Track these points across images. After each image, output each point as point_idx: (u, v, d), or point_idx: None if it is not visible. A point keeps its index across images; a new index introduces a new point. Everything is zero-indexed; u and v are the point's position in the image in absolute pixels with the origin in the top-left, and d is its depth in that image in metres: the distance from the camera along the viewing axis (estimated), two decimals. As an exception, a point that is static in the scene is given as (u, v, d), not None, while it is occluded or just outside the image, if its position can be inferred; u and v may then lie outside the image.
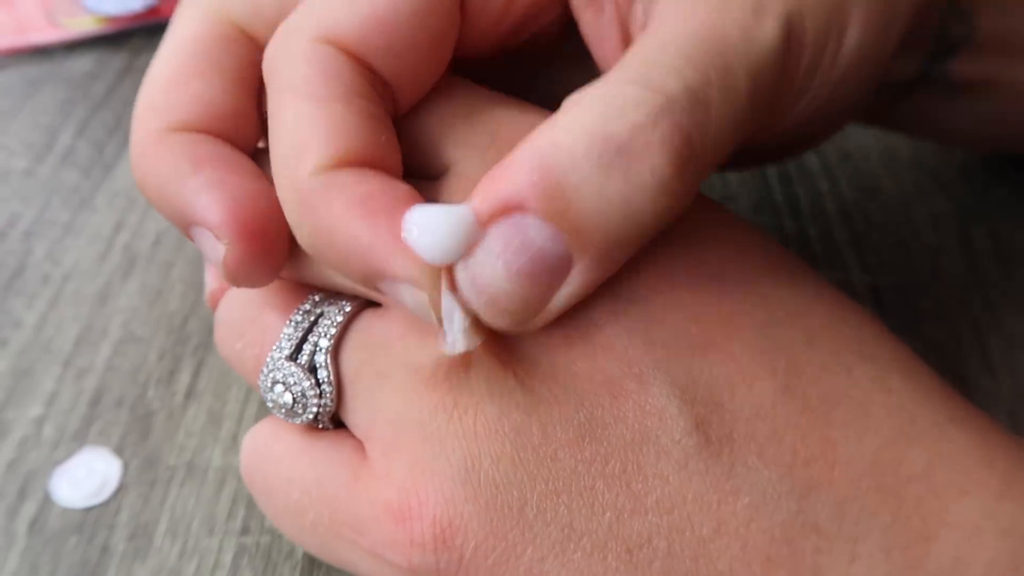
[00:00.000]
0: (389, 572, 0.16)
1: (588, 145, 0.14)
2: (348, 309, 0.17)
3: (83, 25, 0.36)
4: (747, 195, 0.30)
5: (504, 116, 0.18)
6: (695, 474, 0.15)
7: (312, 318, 0.17)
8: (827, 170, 0.31)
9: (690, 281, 0.16)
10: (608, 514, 0.15)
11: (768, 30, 0.15)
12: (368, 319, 0.17)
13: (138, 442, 0.22)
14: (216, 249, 0.16)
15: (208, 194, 0.16)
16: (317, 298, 0.18)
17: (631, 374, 0.16)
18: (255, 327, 0.18)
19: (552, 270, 0.14)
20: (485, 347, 0.16)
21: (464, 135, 0.17)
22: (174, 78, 0.18)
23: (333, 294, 0.18)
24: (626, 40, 0.18)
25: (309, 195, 0.15)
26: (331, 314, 0.17)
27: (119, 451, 0.22)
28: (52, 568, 0.20)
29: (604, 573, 0.15)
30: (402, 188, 0.15)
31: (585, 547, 0.15)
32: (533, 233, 0.14)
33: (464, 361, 0.16)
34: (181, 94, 0.17)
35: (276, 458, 0.17)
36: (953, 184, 0.30)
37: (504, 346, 0.16)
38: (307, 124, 0.15)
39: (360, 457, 0.17)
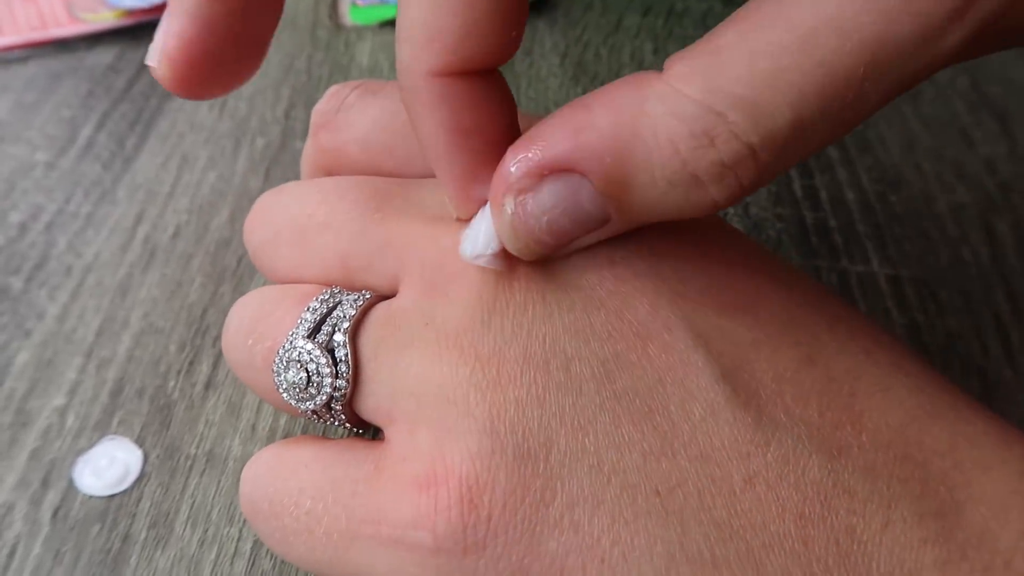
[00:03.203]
0: (411, 561, 0.15)
1: (665, 162, 0.14)
2: (368, 296, 0.17)
3: (103, 19, 0.36)
4: (766, 186, 0.29)
5: (533, 118, 0.18)
6: (724, 422, 0.15)
7: (330, 305, 0.17)
8: (847, 161, 0.30)
9: (721, 256, 0.17)
10: (636, 454, 0.15)
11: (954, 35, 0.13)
12: (387, 306, 0.17)
13: (159, 432, 0.22)
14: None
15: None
16: (335, 289, 0.18)
17: (658, 318, 0.16)
18: (269, 321, 0.18)
19: (587, 227, 0.15)
20: (510, 285, 0.16)
21: None
22: None
23: (344, 289, 0.18)
24: None
25: (416, 97, 0.15)
26: (350, 300, 0.17)
27: (140, 441, 0.22)
28: (75, 555, 0.20)
29: (635, 517, 0.14)
30: (503, 124, 0.16)
31: (615, 488, 0.15)
32: (585, 200, 0.15)
33: (481, 310, 0.16)
34: None
35: (285, 474, 0.17)
36: (976, 175, 0.30)
37: (530, 280, 0.16)
38: (443, 10, 0.14)
39: (379, 451, 0.16)
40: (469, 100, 0.15)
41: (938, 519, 0.14)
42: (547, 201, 0.15)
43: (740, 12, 0.14)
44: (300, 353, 0.17)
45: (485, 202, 0.16)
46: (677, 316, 0.16)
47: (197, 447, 0.22)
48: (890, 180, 0.30)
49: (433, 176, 0.18)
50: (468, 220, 0.17)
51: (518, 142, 0.15)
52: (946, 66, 0.13)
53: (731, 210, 0.28)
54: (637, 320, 0.16)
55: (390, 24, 0.36)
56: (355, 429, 0.18)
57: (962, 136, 0.31)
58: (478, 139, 0.16)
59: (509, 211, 0.15)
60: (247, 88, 0.33)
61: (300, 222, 0.19)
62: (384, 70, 0.34)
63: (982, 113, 0.32)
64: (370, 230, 0.18)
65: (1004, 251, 0.27)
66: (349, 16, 0.37)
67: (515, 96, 0.33)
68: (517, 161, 0.15)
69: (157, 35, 0.18)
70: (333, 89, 0.21)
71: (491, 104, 0.16)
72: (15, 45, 0.35)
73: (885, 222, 0.28)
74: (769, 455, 0.15)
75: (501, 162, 0.15)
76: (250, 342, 0.18)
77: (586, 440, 0.15)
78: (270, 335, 0.18)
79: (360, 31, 0.36)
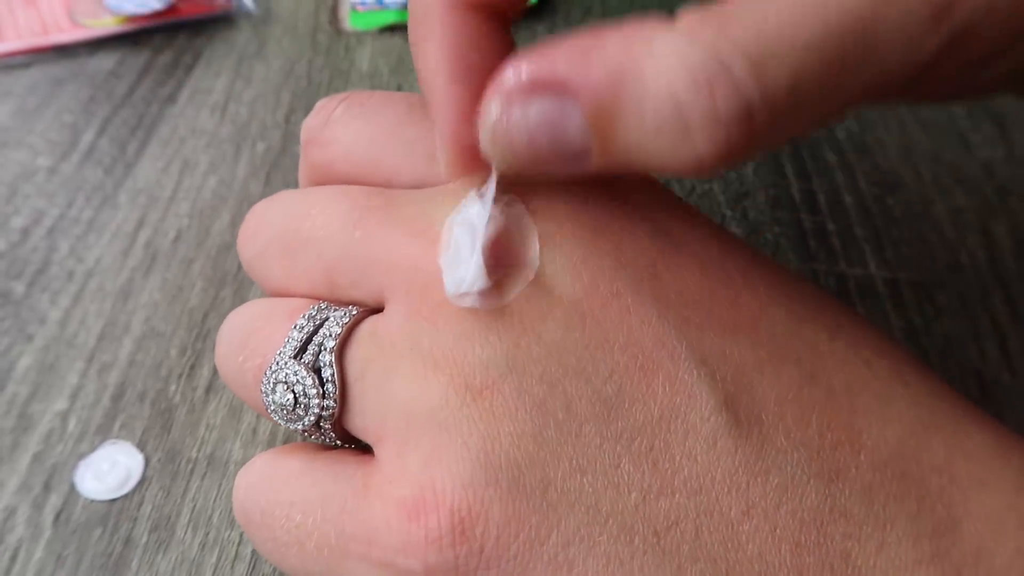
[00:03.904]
0: None
1: (659, 105, 0.14)
2: (354, 312, 0.17)
3: (105, 25, 0.36)
4: (764, 190, 0.29)
5: None
6: (724, 453, 0.15)
7: (317, 322, 0.17)
8: (845, 164, 0.30)
9: (720, 272, 0.17)
10: (634, 494, 0.14)
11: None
12: (373, 323, 0.17)
13: (160, 436, 0.23)
14: None
15: None
16: (322, 304, 0.18)
17: (664, 348, 0.15)
18: (258, 338, 0.18)
19: (565, 156, 0.15)
20: (501, 314, 0.16)
21: None
22: None
23: (337, 303, 0.18)
24: None
25: (427, 25, 0.15)
26: (336, 317, 0.17)
27: (141, 445, 0.22)
28: (77, 559, 0.20)
29: (631, 557, 0.14)
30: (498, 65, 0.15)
31: (611, 530, 0.14)
32: (571, 126, 0.14)
33: (472, 342, 0.16)
34: None
35: (276, 485, 0.17)
36: (973, 179, 0.30)
37: (523, 308, 0.16)
38: None
39: (368, 468, 0.16)
40: (479, 38, 0.15)
41: (934, 539, 0.14)
42: (533, 116, 0.14)
43: None
44: (287, 374, 0.17)
45: (472, 165, 0.16)
46: (682, 344, 0.15)
47: (198, 451, 0.22)
48: (888, 184, 0.30)
49: (419, 187, 0.18)
50: (456, 176, 0.16)
51: (524, 54, 0.15)
52: (922, 78, 0.14)
53: (728, 212, 0.29)
54: (643, 354, 0.15)
55: (389, 29, 0.37)
56: (346, 444, 0.18)
57: (960, 140, 0.31)
58: (480, 80, 0.15)
59: (494, 115, 0.15)
60: (247, 93, 0.34)
61: (286, 236, 0.18)
62: (384, 75, 0.34)
63: (980, 117, 0.32)
64: (353, 246, 0.17)
65: (1002, 254, 0.27)
66: (349, 21, 0.37)
67: (514, 101, 0.33)
68: (516, 69, 0.14)
69: None
70: (320, 103, 0.20)
71: (499, 49, 0.16)
72: (17, 51, 0.35)
73: (883, 225, 0.28)
74: (768, 484, 0.15)
75: (501, 68, 0.15)
76: (241, 359, 0.18)
77: (584, 480, 0.15)
78: (259, 352, 0.18)
79: (360, 36, 0.36)
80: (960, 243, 0.28)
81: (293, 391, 0.17)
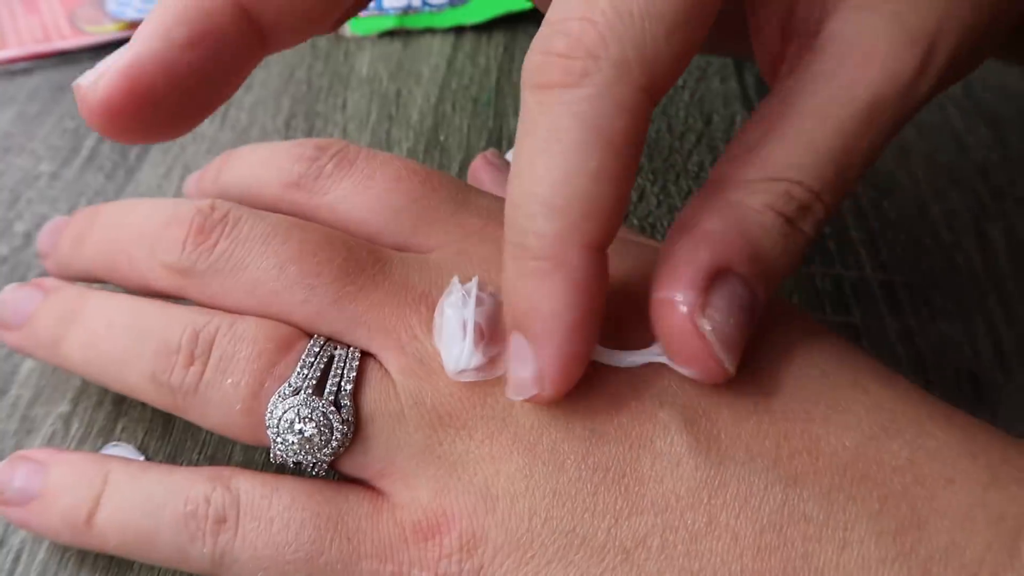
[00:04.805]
0: None
1: (772, 223, 0.16)
2: (357, 355, 0.18)
3: (106, 31, 0.36)
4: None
5: (491, 206, 0.21)
6: (686, 471, 0.16)
7: (324, 359, 0.18)
8: (841, 168, 0.31)
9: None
10: (608, 517, 0.16)
11: (923, 88, 0.17)
12: (373, 369, 0.19)
13: (162, 438, 0.23)
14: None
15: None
16: (323, 341, 0.19)
17: (630, 386, 0.17)
18: (256, 363, 0.18)
19: (755, 314, 0.16)
20: (501, 379, 0.17)
21: (458, 218, 0.20)
22: None
23: (329, 339, 0.19)
24: (786, 34, 0.18)
25: (560, 271, 0.15)
26: (342, 357, 0.18)
27: (143, 447, 0.23)
28: (80, 560, 0.20)
29: (601, 574, 0.16)
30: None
31: (585, 551, 0.16)
32: (741, 291, 0.16)
33: (472, 404, 0.17)
34: None
35: (284, 504, 0.18)
36: (968, 181, 0.30)
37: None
38: (605, 184, 0.15)
39: (373, 495, 0.18)
40: (603, 276, 0.16)
41: (899, 536, 0.15)
42: (723, 304, 0.16)
43: (758, 114, 0.17)
44: (311, 410, 0.18)
45: (570, 388, 0.17)
46: (642, 380, 0.17)
47: (199, 453, 0.22)
48: (883, 186, 0.30)
49: (403, 250, 0.20)
50: (558, 397, 0.17)
51: (661, 281, 0.16)
52: (929, 100, 0.17)
53: (726, 217, 0.29)
54: (613, 394, 0.17)
55: (388, 35, 0.37)
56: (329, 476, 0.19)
57: (955, 142, 0.32)
58: (596, 320, 0.16)
59: (709, 328, 0.16)
60: (248, 98, 0.34)
61: (263, 278, 0.19)
62: (383, 80, 0.35)
63: (975, 119, 0.33)
64: (345, 300, 0.19)
65: (996, 256, 0.27)
66: (349, 26, 0.37)
67: (509, 109, 0.33)
68: (680, 288, 0.16)
69: (103, 61, 0.18)
70: (311, 152, 0.22)
71: (606, 281, 0.16)
72: (19, 57, 0.35)
73: (878, 228, 0.28)
74: (728, 495, 0.16)
75: (659, 296, 0.16)
76: (228, 382, 0.18)
77: (564, 508, 0.16)
78: (256, 380, 0.18)
79: (359, 41, 0.37)
80: (955, 245, 0.28)
81: (319, 426, 0.18)
